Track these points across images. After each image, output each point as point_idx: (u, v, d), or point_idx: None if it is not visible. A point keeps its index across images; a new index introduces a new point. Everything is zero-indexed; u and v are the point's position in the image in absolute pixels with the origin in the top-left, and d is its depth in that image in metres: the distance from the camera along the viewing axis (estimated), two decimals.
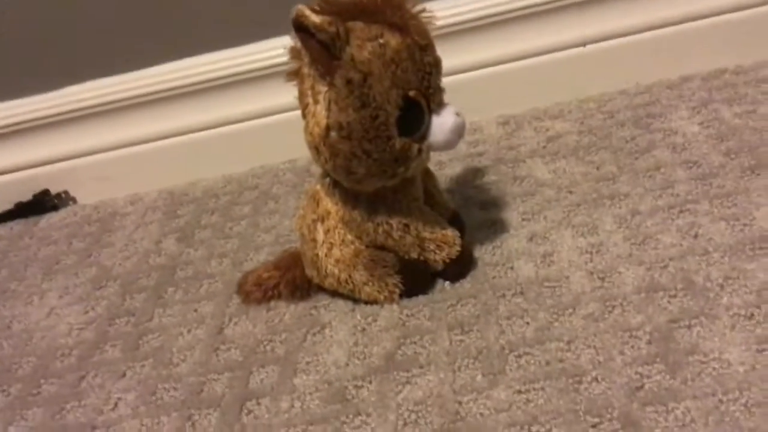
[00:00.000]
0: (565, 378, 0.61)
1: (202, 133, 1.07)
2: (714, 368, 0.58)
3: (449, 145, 0.70)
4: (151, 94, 1.05)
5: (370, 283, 0.74)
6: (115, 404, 0.72)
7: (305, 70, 0.67)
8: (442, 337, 0.69)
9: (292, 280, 0.79)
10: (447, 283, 0.75)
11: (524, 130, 0.99)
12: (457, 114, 0.69)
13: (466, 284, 0.75)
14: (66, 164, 1.11)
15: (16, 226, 1.11)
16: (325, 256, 0.74)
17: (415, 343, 0.69)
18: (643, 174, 0.83)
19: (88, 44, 1.03)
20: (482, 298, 0.72)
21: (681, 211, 0.76)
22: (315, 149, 0.69)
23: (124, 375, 0.76)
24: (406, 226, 0.72)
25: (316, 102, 0.66)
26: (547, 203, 0.83)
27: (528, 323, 0.68)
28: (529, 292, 0.71)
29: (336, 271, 0.74)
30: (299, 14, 0.62)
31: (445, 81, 0.70)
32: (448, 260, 0.74)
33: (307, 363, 0.71)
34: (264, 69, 1.02)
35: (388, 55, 0.64)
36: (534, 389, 0.61)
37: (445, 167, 0.95)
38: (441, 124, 0.68)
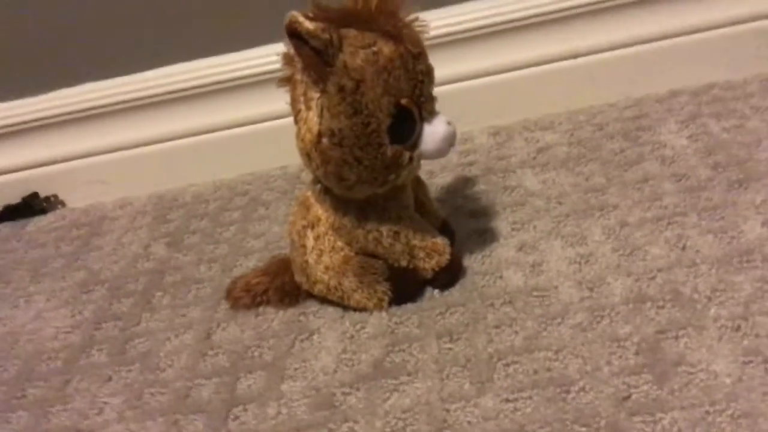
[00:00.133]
0: (552, 387, 0.61)
1: (193, 139, 1.07)
2: (701, 379, 0.59)
3: (440, 153, 0.70)
4: (143, 98, 1.05)
5: (360, 290, 0.74)
6: (101, 409, 0.72)
7: (298, 76, 0.67)
8: (430, 345, 0.69)
9: (281, 286, 0.79)
10: (436, 291, 0.75)
11: (515, 141, 0.99)
12: (449, 123, 0.69)
13: (455, 292, 0.75)
14: (56, 167, 1.11)
15: (4, 229, 1.11)
16: (315, 262, 0.74)
17: (403, 350, 0.69)
18: (631, 186, 0.83)
19: (79, 48, 1.03)
20: (471, 307, 0.72)
21: (669, 223, 0.76)
22: (306, 155, 0.69)
23: (110, 379, 0.75)
24: (397, 233, 0.73)
25: (308, 108, 0.66)
26: (537, 213, 0.83)
27: (516, 332, 0.68)
28: (518, 301, 0.71)
29: (325, 277, 0.74)
30: (293, 20, 0.62)
31: (437, 91, 0.70)
32: (437, 268, 0.74)
33: (295, 369, 0.70)
34: (256, 75, 1.02)
35: (381, 63, 0.64)
36: (522, 398, 0.61)
37: (435, 176, 0.95)
38: (432, 132, 0.69)
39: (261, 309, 0.79)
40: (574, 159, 0.91)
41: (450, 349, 0.68)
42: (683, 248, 0.72)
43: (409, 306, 0.74)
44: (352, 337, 0.73)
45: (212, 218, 1.00)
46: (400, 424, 0.62)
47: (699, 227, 0.74)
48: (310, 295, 0.78)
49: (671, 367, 0.60)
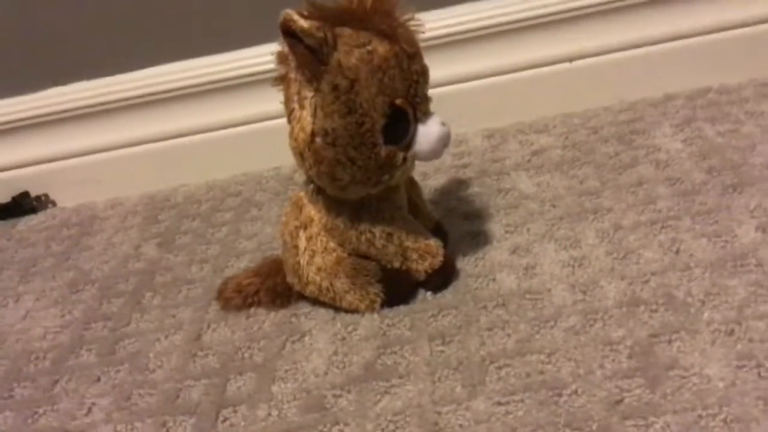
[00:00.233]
0: (545, 390, 0.61)
1: (186, 139, 1.06)
2: (694, 383, 0.58)
3: (434, 154, 0.70)
4: (135, 98, 1.04)
5: (352, 292, 0.73)
6: (89, 409, 0.71)
7: (292, 75, 0.66)
8: (422, 348, 0.69)
9: (272, 287, 0.78)
10: (429, 293, 0.75)
11: (509, 144, 0.99)
12: (443, 124, 0.69)
13: (447, 295, 0.74)
14: (47, 167, 1.10)
15: None
16: (307, 263, 0.74)
17: (395, 352, 0.69)
18: (626, 189, 0.83)
19: (70, 46, 1.03)
20: (464, 309, 0.72)
21: (663, 227, 0.76)
22: (300, 155, 0.68)
23: (98, 380, 0.75)
24: (390, 235, 0.72)
25: (302, 107, 0.66)
26: (531, 216, 0.83)
27: (509, 335, 0.67)
28: (511, 304, 0.71)
29: (317, 278, 0.74)
30: (287, 18, 0.62)
31: (432, 92, 0.70)
32: (430, 270, 0.74)
33: (286, 371, 0.70)
34: (249, 76, 1.01)
35: (376, 62, 0.64)
36: (514, 401, 0.61)
37: (429, 178, 0.95)
38: (426, 133, 0.68)
39: (252, 310, 0.79)
40: (568, 162, 0.91)
41: (442, 351, 0.68)
42: (677, 252, 0.72)
43: (402, 308, 0.74)
44: (343, 338, 0.72)
45: (204, 219, 1.00)
46: (391, 426, 0.61)
47: (693, 231, 0.74)
48: (301, 297, 0.77)
49: (664, 371, 0.60)
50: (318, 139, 0.66)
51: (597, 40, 0.99)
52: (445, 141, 0.69)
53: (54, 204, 1.12)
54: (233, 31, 1.00)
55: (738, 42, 0.97)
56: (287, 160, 0.72)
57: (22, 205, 1.11)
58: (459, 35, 0.99)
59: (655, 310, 0.66)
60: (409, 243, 0.73)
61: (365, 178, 0.67)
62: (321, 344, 0.72)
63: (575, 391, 0.60)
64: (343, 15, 0.65)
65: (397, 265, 0.73)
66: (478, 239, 0.81)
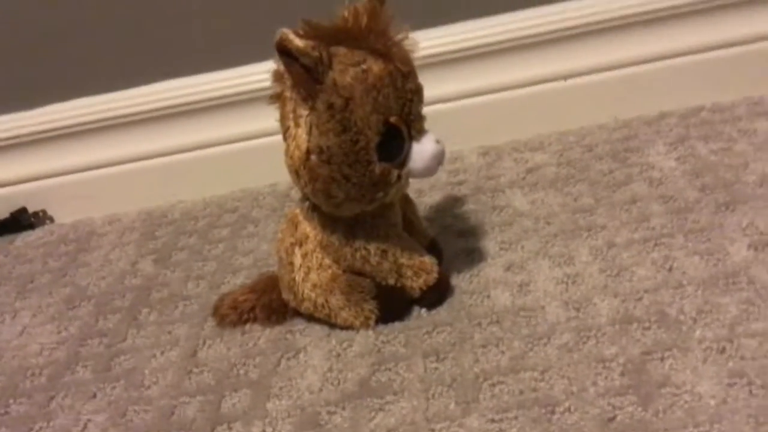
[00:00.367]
0: (538, 408, 0.61)
1: (183, 155, 1.07)
2: (686, 401, 0.58)
3: (429, 172, 0.70)
4: (133, 114, 1.05)
5: (347, 308, 0.73)
6: (85, 425, 0.71)
7: (287, 93, 0.67)
8: (416, 364, 0.69)
9: (268, 303, 0.79)
10: (423, 310, 0.75)
11: (504, 161, 0.99)
12: (437, 141, 0.69)
13: (442, 312, 0.75)
14: (45, 183, 1.10)
15: None
16: (302, 280, 0.74)
17: (389, 369, 0.69)
18: (619, 207, 0.84)
19: (68, 63, 1.03)
20: (458, 326, 0.72)
21: (656, 245, 0.76)
22: (295, 172, 0.69)
23: (94, 396, 0.75)
24: (384, 251, 0.72)
25: (297, 125, 0.67)
26: (525, 233, 0.83)
27: (503, 352, 0.68)
28: (505, 321, 0.71)
29: (313, 295, 0.74)
30: (283, 38, 0.62)
31: (427, 110, 0.70)
32: (425, 287, 0.74)
33: (281, 388, 0.70)
34: (246, 93, 1.02)
35: (370, 81, 0.65)
36: (507, 418, 0.61)
37: (424, 195, 0.95)
38: (421, 151, 0.69)
39: (247, 326, 0.79)
40: (562, 179, 0.92)
41: (436, 368, 0.68)
42: (670, 269, 0.73)
43: (396, 325, 0.74)
44: (338, 355, 0.72)
45: (201, 235, 1.00)
46: None
47: (686, 249, 0.75)
48: (297, 313, 0.78)
49: (656, 389, 0.60)
50: (313, 157, 0.66)
51: (592, 59, 1.00)
52: (439, 159, 0.70)
53: (52, 220, 1.13)
54: (230, 49, 1.01)
55: (731, 61, 0.98)
56: (284, 176, 0.73)
57: (20, 220, 1.11)
58: (454, 54, 0.99)
59: (648, 328, 0.66)
60: (403, 260, 0.73)
61: (360, 195, 0.68)
62: (316, 361, 0.72)
63: (568, 409, 0.60)
64: (338, 34, 0.66)
65: (391, 281, 0.74)
66: (473, 256, 0.81)
